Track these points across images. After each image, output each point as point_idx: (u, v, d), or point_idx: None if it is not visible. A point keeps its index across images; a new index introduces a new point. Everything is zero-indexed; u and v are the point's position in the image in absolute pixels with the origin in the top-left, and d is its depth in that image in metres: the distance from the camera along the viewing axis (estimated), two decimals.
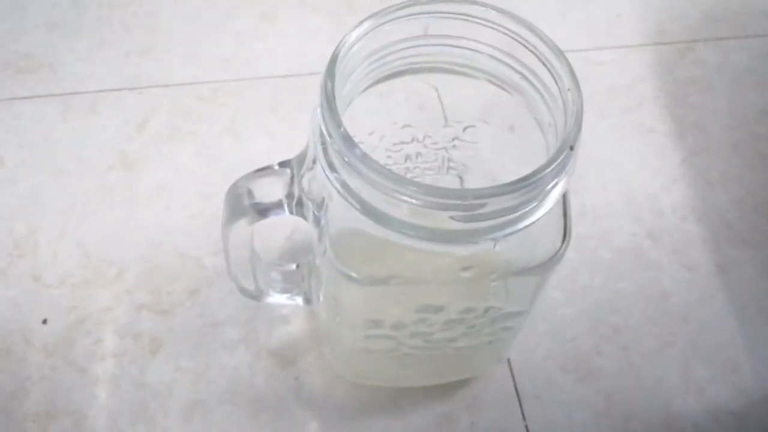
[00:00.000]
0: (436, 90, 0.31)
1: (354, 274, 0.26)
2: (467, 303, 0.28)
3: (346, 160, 0.23)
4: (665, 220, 0.43)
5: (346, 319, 0.30)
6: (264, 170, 0.28)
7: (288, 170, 0.28)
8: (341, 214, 0.26)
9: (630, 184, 0.44)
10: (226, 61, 0.47)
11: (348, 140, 0.23)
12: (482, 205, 0.23)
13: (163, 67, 0.46)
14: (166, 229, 0.40)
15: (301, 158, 0.28)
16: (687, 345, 0.38)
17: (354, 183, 0.24)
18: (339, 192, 0.25)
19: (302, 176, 0.28)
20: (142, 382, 0.36)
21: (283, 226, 0.40)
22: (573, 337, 0.38)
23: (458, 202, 0.22)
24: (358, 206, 0.24)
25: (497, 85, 0.29)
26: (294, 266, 0.35)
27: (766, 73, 0.49)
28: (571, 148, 0.24)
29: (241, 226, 0.28)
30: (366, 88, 0.28)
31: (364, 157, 0.23)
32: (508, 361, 0.37)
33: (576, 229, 0.42)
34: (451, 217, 0.23)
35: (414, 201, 0.23)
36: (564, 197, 0.27)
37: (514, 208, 0.23)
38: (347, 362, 0.34)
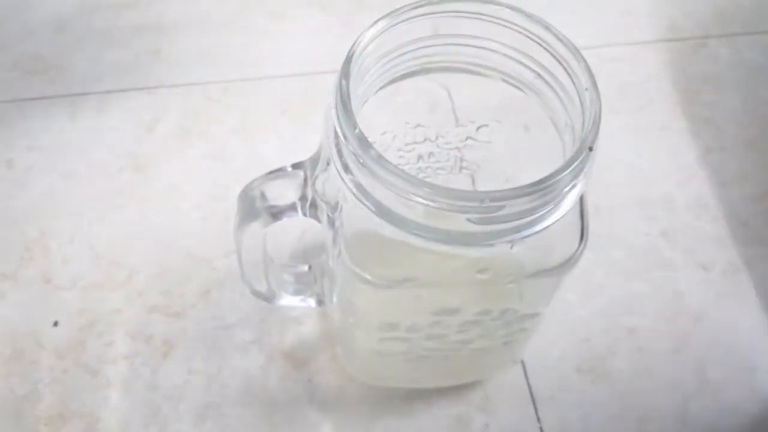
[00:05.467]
0: (447, 90, 0.31)
1: (369, 277, 0.26)
2: (483, 305, 0.28)
3: (361, 161, 0.23)
4: (679, 218, 0.42)
5: (360, 321, 0.30)
6: (277, 172, 0.28)
7: (301, 172, 0.28)
8: (356, 216, 0.26)
9: (643, 183, 0.43)
10: (235, 60, 0.47)
11: (363, 141, 0.23)
12: (500, 208, 0.22)
13: (172, 68, 0.46)
14: (178, 230, 0.40)
15: (315, 160, 0.28)
16: (702, 345, 0.38)
17: (369, 184, 0.24)
18: (354, 194, 0.24)
19: (316, 178, 0.28)
20: (155, 384, 0.36)
21: (294, 227, 0.40)
22: (587, 337, 0.38)
23: (475, 204, 0.22)
24: (372, 208, 0.24)
25: (512, 84, 0.29)
26: (306, 267, 0.35)
27: None
28: (590, 149, 0.23)
29: (254, 228, 0.28)
30: (379, 89, 0.28)
31: (380, 159, 0.23)
32: (522, 361, 0.37)
33: (590, 227, 0.42)
34: (468, 220, 0.23)
35: (430, 203, 0.22)
36: (581, 198, 0.27)
37: (531, 211, 0.23)
38: (361, 364, 0.34)
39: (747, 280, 0.40)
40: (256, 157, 0.43)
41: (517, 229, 0.23)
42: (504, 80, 0.29)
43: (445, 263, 0.25)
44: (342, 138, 0.24)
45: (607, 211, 0.42)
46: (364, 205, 0.24)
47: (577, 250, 0.27)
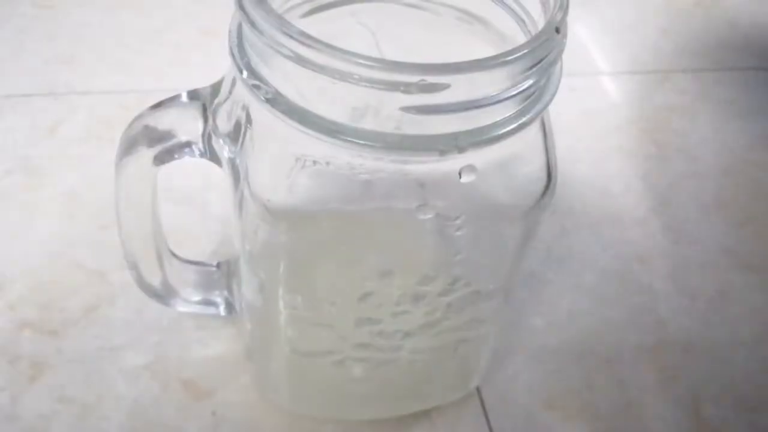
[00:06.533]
0: (373, 34, 0.25)
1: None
2: (424, 267, 0.21)
3: (275, 46, 0.18)
4: (656, 243, 0.37)
5: (274, 300, 0.23)
6: (168, 102, 0.22)
7: (199, 102, 0.22)
8: (264, 138, 0.20)
9: (614, 207, 0.39)
10: (158, 71, 0.42)
11: (281, 20, 0.18)
12: (444, 87, 0.17)
13: (85, 75, 0.41)
14: (69, 239, 0.34)
15: (217, 87, 0.22)
16: (693, 379, 0.32)
17: (281, 81, 0.18)
18: (263, 100, 0.19)
19: (216, 110, 0.22)
20: (15, 414, 0.28)
21: (205, 221, 0.34)
22: (558, 368, 0.32)
23: (414, 78, 0.17)
24: (287, 114, 0.18)
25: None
26: (214, 265, 0.29)
27: (750, 104, 0.45)
28: (557, 31, 0.18)
29: (137, 166, 0.22)
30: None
31: (302, 34, 0.17)
32: (479, 392, 0.30)
33: (556, 250, 0.36)
34: (403, 109, 0.17)
35: (357, 76, 0.17)
36: (545, 130, 0.21)
37: (482, 101, 0.18)
38: (279, 380, 0.27)
39: (737, 309, 0.35)
40: (172, 168, 0.37)
41: (468, 134, 0.18)
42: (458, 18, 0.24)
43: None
44: (249, 27, 0.18)
45: (576, 234, 0.37)
46: (276, 112, 0.19)
47: (545, 193, 0.21)
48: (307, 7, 0.23)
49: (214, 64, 0.42)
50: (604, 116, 0.44)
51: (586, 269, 0.35)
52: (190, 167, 0.25)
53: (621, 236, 0.37)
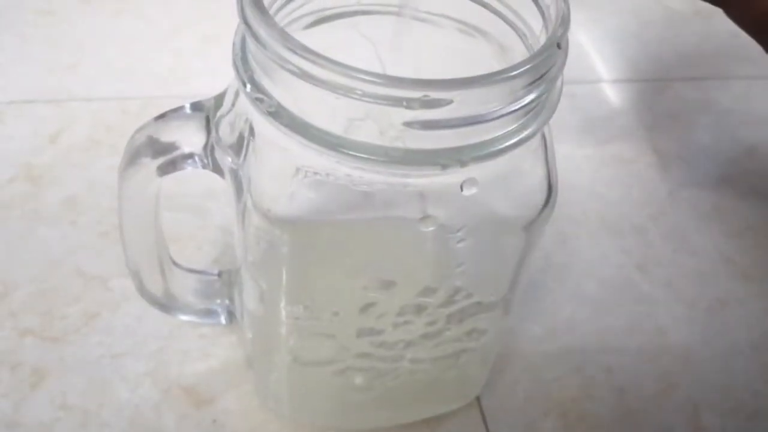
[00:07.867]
0: (375, 46, 0.25)
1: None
2: (426, 278, 0.22)
3: (278, 61, 0.18)
4: (655, 252, 0.37)
5: (275, 310, 0.23)
6: (171, 114, 0.23)
7: (203, 114, 0.23)
8: (266, 150, 0.20)
9: (613, 214, 0.39)
10: (160, 77, 0.42)
11: (284, 34, 0.18)
12: (447, 102, 0.17)
13: (88, 82, 0.41)
14: (70, 246, 0.34)
15: (220, 99, 0.23)
16: (693, 388, 0.32)
17: (283, 94, 0.19)
18: (265, 113, 0.19)
19: (219, 122, 0.22)
20: (15, 421, 0.28)
21: (207, 229, 0.34)
22: (557, 377, 0.32)
23: (417, 94, 0.17)
24: (288, 127, 0.18)
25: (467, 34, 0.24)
26: (215, 274, 0.29)
27: (750, 112, 0.45)
28: (559, 46, 0.18)
29: (141, 177, 0.22)
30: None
31: (305, 49, 0.17)
32: (479, 401, 0.30)
33: (555, 258, 0.37)
34: (406, 125, 0.17)
35: (363, 97, 0.17)
36: (545, 142, 0.22)
37: (485, 116, 0.18)
38: (280, 389, 0.27)
39: (736, 318, 0.35)
40: (172, 178, 0.37)
41: (470, 148, 0.18)
42: (459, 30, 0.24)
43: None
44: (253, 40, 0.19)
45: (575, 241, 0.37)
46: (278, 125, 0.19)
47: (545, 205, 0.21)
48: (309, 19, 0.23)
49: (215, 71, 0.43)
50: (604, 123, 0.44)
51: (586, 277, 0.36)
52: (191, 176, 0.25)
53: (620, 244, 0.37)
